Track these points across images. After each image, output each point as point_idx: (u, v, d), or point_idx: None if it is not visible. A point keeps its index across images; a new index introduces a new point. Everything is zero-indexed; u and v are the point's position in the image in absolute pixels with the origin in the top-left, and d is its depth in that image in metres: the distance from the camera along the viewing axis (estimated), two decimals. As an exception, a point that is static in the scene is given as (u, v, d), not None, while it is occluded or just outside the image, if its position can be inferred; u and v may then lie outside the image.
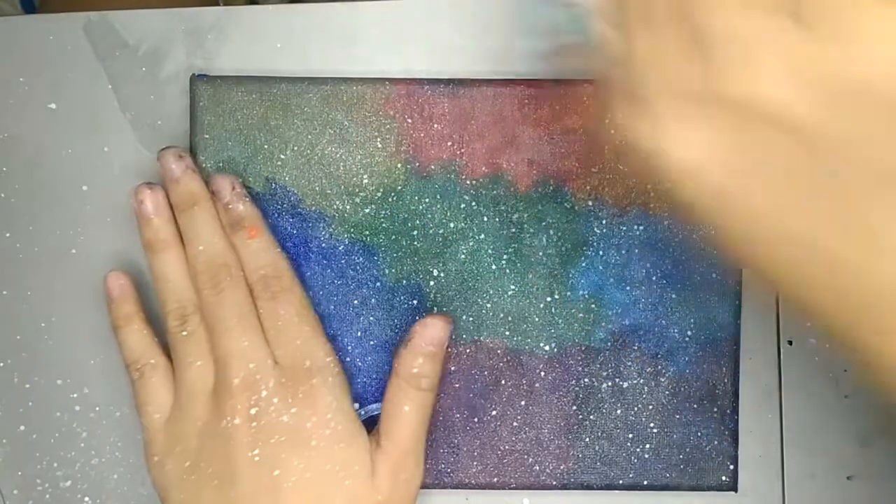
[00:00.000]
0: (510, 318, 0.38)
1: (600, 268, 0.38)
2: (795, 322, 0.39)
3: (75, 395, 0.39)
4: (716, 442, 0.38)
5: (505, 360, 0.38)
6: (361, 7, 0.39)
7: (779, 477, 0.39)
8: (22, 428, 0.39)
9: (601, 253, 0.38)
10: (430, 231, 0.38)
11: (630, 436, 0.38)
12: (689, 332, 0.38)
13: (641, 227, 0.38)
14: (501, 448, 0.38)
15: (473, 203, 0.38)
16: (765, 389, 0.39)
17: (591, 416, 0.38)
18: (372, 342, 0.38)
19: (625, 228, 0.38)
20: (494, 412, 0.38)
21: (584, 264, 0.38)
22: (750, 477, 0.39)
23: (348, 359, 0.38)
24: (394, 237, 0.38)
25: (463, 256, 0.38)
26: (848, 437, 0.39)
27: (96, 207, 0.39)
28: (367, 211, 0.38)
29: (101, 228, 0.39)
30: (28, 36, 0.39)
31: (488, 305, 0.38)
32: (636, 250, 0.38)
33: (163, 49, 0.39)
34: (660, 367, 0.38)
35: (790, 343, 0.39)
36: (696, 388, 0.38)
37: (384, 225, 0.38)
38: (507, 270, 0.38)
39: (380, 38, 0.39)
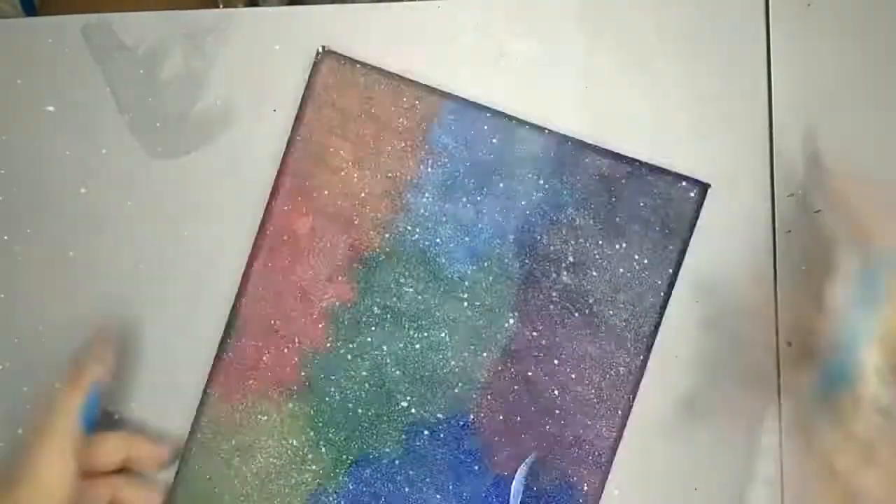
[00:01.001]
0: (471, 345, 0.39)
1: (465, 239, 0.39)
2: (794, 324, 0.39)
3: (74, 398, 0.39)
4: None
5: (510, 367, 0.38)
6: (359, 9, 0.39)
7: (779, 477, 0.39)
8: (20, 431, 0.39)
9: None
10: (359, 411, 0.38)
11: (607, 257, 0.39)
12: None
13: None
14: (583, 391, 0.39)
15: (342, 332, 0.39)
16: (764, 390, 0.39)
17: (585, 285, 0.38)
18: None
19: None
20: (556, 392, 0.38)
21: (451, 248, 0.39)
22: (751, 477, 0.39)
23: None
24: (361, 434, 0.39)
25: (397, 371, 0.39)
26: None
27: (94, 210, 0.39)
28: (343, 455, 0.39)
29: (99, 231, 0.39)
30: (26, 38, 0.39)
31: (452, 363, 0.38)
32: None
33: (161, 51, 0.39)
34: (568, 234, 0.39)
35: (789, 344, 0.39)
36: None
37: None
38: (425, 335, 0.39)
39: (378, 39, 0.39)
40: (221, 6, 0.59)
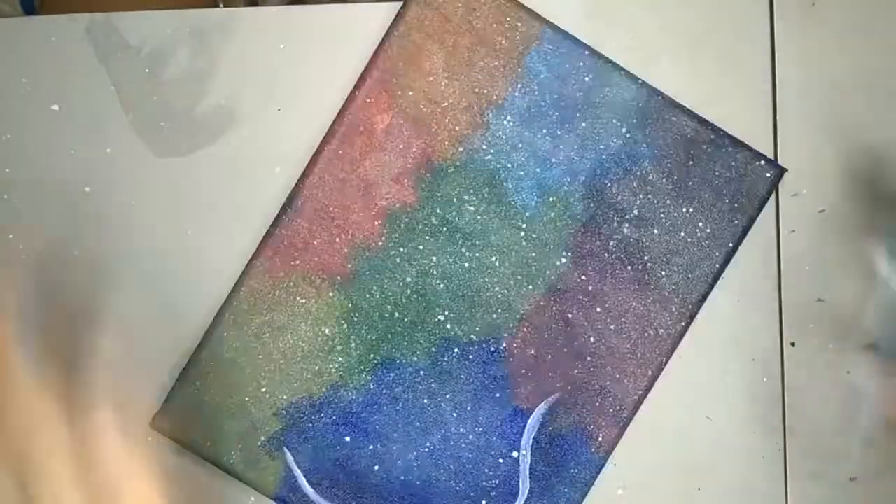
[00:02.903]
0: (518, 277, 0.38)
1: (520, 174, 0.38)
2: (798, 324, 0.39)
3: (78, 397, 0.39)
4: (739, 157, 0.38)
5: (550, 304, 0.38)
6: (361, 8, 0.39)
7: (782, 477, 0.39)
8: (24, 430, 0.39)
9: (505, 164, 0.38)
10: (403, 301, 0.38)
11: (682, 234, 0.38)
12: (623, 130, 0.38)
13: (506, 119, 0.38)
14: (624, 349, 0.38)
15: (396, 252, 0.38)
16: (767, 390, 0.39)
17: (646, 258, 0.38)
18: (469, 408, 0.38)
19: (500, 132, 0.38)
20: (592, 339, 0.38)
21: (509, 186, 0.38)
22: (754, 477, 0.39)
23: (470, 438, 0.38)
24: (389, 335, 0.38)
25: (441, 285, 0.38)
26: (851, 439, 0.39)
27: (98, 209, 0.39)
28: (351, 345, 0.38)
29: (104, 230, 0.39)
30: (31, 37, 0.39)
31: (496, 289, 0.38)
32: (525, 133, 0.38)
33: (165, 50, 0.39)
34: (637, 172, 0.39)
35: (793, 345, 0.39)
36: (679, 148, 0.38)
37: (373, 337, 0.38)
38: (476, 254, 0.38)
39: (378, 38, 0.39)
40: (222, 6, 0.59)
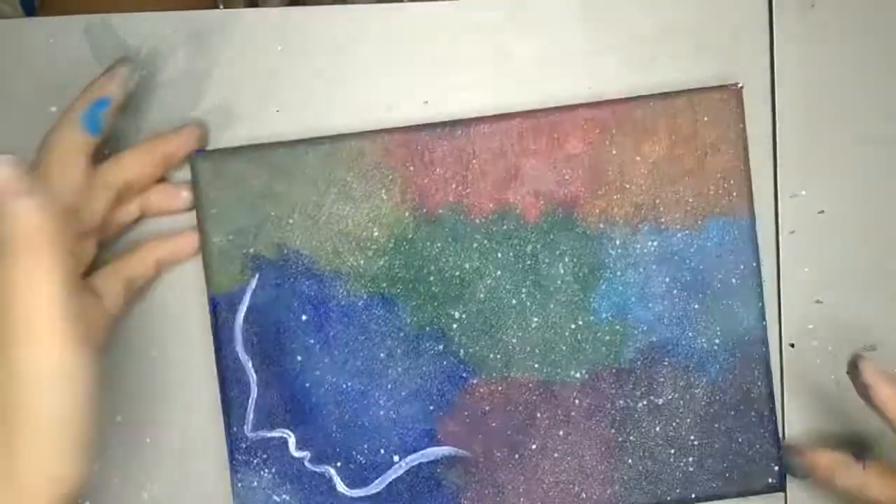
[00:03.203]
0: (537, 350, 0.38)
1: (620, 288, 0.38)
2: (798, 324, 0.39)
3: (77, 399, 0.39)
4: (757, 446, 0.38)
5: (538, 392, 0.38)
6: (360, 10, 0.39)
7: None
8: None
9: (619, 273, 0.38)
10: (447, 274, 0.38)
11: (672, 451, 0.38)
12: (716, 341, 0.38)
13: (655, 243, 0.38)
14: (546, 480, 0.38)
15: (485, 241, 0.38)
16: (768, 390, 0.39)
17: (631, 437, 0.38)
18: (403, 392, 0.38)
19: (639, 246, 0.38)
20: (534, 446, 0.38)
21: (603, 287, 0.38)
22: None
23: (382, 412, 0.38)
24: (411, 285, 0.38)
25: (482, 295, 0.38)
26: (849, 439, 0.39)
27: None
28: (380, 263, 0.38)
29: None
30: (29, 39, 0.39)
31: (514, 340, 0.38)
32: (653, 266, 0.38)
33: (164, 52, 0.39)
34: (692, 378, 0.38)
35: (792, 346, 0.39)
36: (731, 394, 0.38)
37: (400, 274, 0.38)
38: (528, 303, 0.38)
39: (379, 39, 0.39)
40: (221, 7, 0.59)
